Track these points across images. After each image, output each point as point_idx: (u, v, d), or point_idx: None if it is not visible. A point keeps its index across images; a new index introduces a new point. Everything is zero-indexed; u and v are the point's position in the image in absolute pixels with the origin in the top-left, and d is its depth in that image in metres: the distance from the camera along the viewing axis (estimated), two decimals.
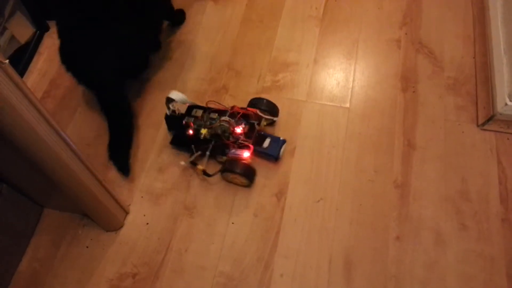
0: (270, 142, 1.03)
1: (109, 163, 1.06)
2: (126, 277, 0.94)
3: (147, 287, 0.93)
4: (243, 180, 1.00)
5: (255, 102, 1.07)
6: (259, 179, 1.04)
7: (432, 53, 1.20)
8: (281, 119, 1.11)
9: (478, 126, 1.08)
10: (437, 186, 1.01)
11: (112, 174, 1.07)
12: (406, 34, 1.25)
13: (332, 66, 1.21)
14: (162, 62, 1.24)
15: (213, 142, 1.02)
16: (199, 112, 1.05)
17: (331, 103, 1.14)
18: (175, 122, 1.06)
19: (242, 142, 1.00)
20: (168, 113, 1.04)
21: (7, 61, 0.54)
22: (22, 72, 1.23)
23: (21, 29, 1.24)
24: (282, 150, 1.03)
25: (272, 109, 1.07)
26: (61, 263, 0.97)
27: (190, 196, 1.03)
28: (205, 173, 1.01)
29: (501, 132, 1.06)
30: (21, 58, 1.24)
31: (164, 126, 1.11)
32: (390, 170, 1.03)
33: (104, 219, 0.97)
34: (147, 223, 1.00)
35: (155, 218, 1.01)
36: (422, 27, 1.26)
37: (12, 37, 1.21)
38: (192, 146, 1.03)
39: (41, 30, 1.31)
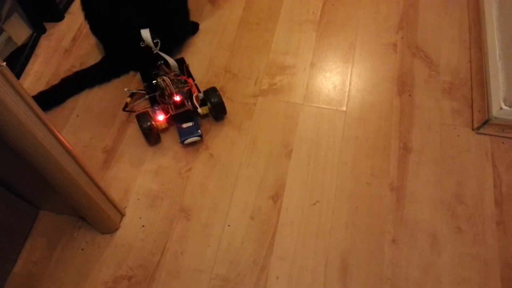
0: (189, 127, 1.09)
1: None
2: (121, 279, 0.94)
3: None
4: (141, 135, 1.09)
5: (210, 91, 1.09)
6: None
7: (428, 57, 1.21)
8: (278, 121, 1.12)
9: (473, 130, 1.09)
10: (433, 189, 1.01)
11: (108, 176, 1.07)
12: (402, 38, 1.25)
13: (329, 70, 1.21)
14: None
15: (157, 93, 1.09)
16: (173, 64, 1.11)
17: (327, 107, 1.15)
18: (152, 57, 1.10)
19: (168, 107, 1.07)
20: (142, 45, 1.07)
21: (4, 63, 0.54)
22: (18, 74, 1.22)
23: (18, 30, 1.24)
24: (190, 140, 1.07)
25: (217, 107, 1.09)
26: (56, 266, 0.96)
27: (186, 198, 1.03)
28: (125, 105, 1.12)
29: (496, 136, 1.07)
30: (18, 60, 1.24)
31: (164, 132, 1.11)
32: (386, 173, 1.04)
33: (100, 221, 0.97)
34: (143, 226, 1.00)
35: (151, 221, 1.00)
36: (418, 31, 1.26)
37: (9, 39, 1.20)
38: (144, 83, 1.14)
39: (38, 32, 1.31)
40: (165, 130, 1.12)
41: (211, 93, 1.09)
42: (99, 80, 1.21)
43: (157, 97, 1.08)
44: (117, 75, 1.22)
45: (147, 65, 1.13)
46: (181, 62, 1.17)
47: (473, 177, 1.02)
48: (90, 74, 1.20)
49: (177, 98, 1.05)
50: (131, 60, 1.21)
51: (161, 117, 1.07)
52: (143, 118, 1.06)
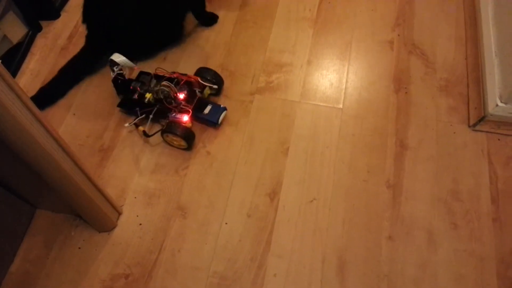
0: (211, 109, 1.10)
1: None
2: (119, 277, 0.94)
3: None
4: (181, 142, 1.05)
5: (202, 71, 1.12)
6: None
7: (424, 55, 1.21)
8: (274, 119, 1.12)
9: (469, 126, 1.09)
10: (429, 186, 1.02)
11: (105, 174, 1.06)
12: (398, 35, 1.26)
13: (326, 67, 1.21)
14: (155, 63, 1.24)
15: (157, 106, 1.08)
16: (147, 78, 1.13)
17: (324, 104, 1.15)
18: (123, 86, 1.12)
19: (183, 107, 1.06)
20: (112, 76, 1.09)
21: None
22: (14, 72, 1.22)
23: (14, 29, 1.23)
24: (221, 116, 1.09)
25: (217, 79, 1.13)
26: (54, 264, 0.96)
27: (184, 196, 1.03)
28: (145, 133, 1.08)
29: (492, 132, 1.07)
30: (13, 58, 1.23)
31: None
32: (383, 170, 1.04)
33: (97, 219, 0.97)
34: (140, 224, 1.00)
35: (148, 219, 1.00)
36: (414, 28, 1.27)
37: (4, 37, 1.20)
38: (137, 109, 1.09)
39: (34, 30, 1.30)
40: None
41: (204, 71, 1.12)
42: (89, 65, 1.21)
43: (165, 106, 1.06)
44: (100, 55, 1.20)
45: (127, 96, 1.13)
46: (146, 74, 1.16)
47: (469, 174, 1.03)
48: (78, 61, 1.20)
49: (182, 95, 1.06)
50: (114, 42, 1.19)
51: (185, 117, 1.05)
52: (175, 127, 1.03)
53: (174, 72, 1.11)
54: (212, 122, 1.09)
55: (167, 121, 1.06)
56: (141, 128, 1.08)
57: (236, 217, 1.00)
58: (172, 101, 1.07)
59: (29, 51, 1.28)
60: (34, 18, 1.30)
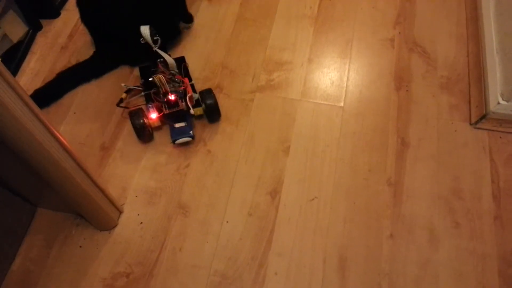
0: (182, 127, 1.08)
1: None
2: (120, 276, 0.94)
3: (141, 287, 0.93)
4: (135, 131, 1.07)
5: (205, 93, 1.09)
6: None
7: (425, 52, 1.21)
8: (275, 117, 1.12)
9: (471, 124, 1.09)
10: (430, 185, 1.01)
11: (106, 173, 1.06)
12: (399, 33, 1.25)
13: (327, 65, 1.21)
14: None
15: (152, 91, 1.08)
16: (171, 63, 1.10)
17: (325, 102, 1.14)
18: (152, 56, 1.10)
19: (162, 106, 1.06)
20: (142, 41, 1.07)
21: None
22: (14, 71, 1.22)
23: (14, 27, 1.23)
24: (181, 140, 1.07)
25: (211, 109, 1.08)
26: (54, 263, 0.96)
27: (184, 195, 1.03)
28: (120, 101, 1.13)
29: (494, 130, 1.07)
30: (14, 57, 1.23)
31: (160, 130, 1.11)
32: (384, 168, 1.04)
33: (98, 218, 0.97)
34: (141, 222, 1.00)
35: (149, 217, 1.00)
36: (415, 26, 1.26)
37: (5, 36, 1.20)
38: (141, 80, 1.13)
39: (34, 28, 1.30)
40: (158, 128, 1.11)
41: (206, 94, 1.08)
42: (92, 75, 1.21)
43: (152, 95, 1.07)
44: (109, 69, 1.22)
45: (146, 62, 1.13)
46: (181, 61, 1.16)
47: (471, 172, 1.02)
48: (83, 69, 1.20)
49: (172, 97, 1.05)
50: (122, 55, 1.21)
51: (154, 115, 1.07)
52: (136, 115, 1.06)
53: (186, 77, 1.11)
54: (171, 137, 1.07)
55: (139, 106, 1.09)
56: (124, 95, 1.13)
57: (237, 215, 1.00)
58: (161, 96, 1.06)
59: (29, 50, 1.28)
60: (34, 17, 1.29)
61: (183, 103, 1.06)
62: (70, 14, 1.35)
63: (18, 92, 0.61)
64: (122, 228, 1.00)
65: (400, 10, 1.30)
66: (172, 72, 1.09)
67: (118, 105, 1.12)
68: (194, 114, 1.07)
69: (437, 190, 1.01)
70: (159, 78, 1.03)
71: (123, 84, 1.14)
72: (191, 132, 1.07)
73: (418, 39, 1.23)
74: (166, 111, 1.06)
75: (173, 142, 1.07)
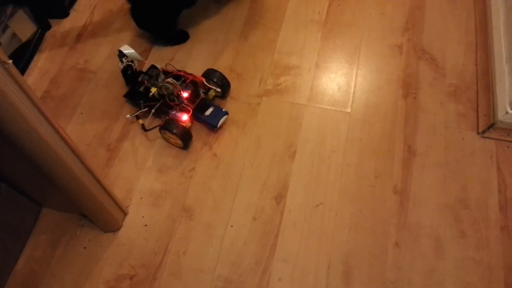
0: (212, 111, 1.09)
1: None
2: (123, 278, 0.94)
3: None
4: (178, 141, 1.06)
5: (208, 73, 1.12)
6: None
7: (434, 60, 1.21)
8: (282, 122, 1.12)
9: (478, 133, 1.08)
10: (437, 193, 1.01)
11: (112, 174, 1.06)
12: (408, 40, 1.25)
13: (334, 71, 1.21)
14: (164, 61, 1.23)
15: (160, 102, 1.08)
16: (155, 72, 1.13)
17: (332, 108, 1.14)
18: (132, 77, 1.13)
19: (184, 106, 1.07)
20: (120, 66, 1.10)
21: (10, 61, 0.54)
22: (22, 70, 1.22)
23: (23, 27, 1.24)
24: (222, 120, 1.08)
25: (223, 83, 1.12)
26: (59, 264, 0.96)
27: (189, 198, 1.02)
28: (143, 127, 1.09)
29: (502, 140, 1.06)
30: (22, 56, 1.23)
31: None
32: (390, 176, 1.03)
33: (103, 220, 0.97)
34: (146, 225, 1.00)
35: (154, 220, 1.00)
36: (424, 33, 1.26)
37: (14, 35, 1.20)
38: (141, 102, 1.09)
39: (43, 28, 1.30)
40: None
41: (211, 73, 1.11)
42: None
43: (167, 103, 1.07)
44: None
45: (134, 87, 1.14)
46: (156, 68, 1.17)
47: (478, 181, 1.02)
48: None
49: (185, 94, 1.06)
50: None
51: (184, 116, 1.05)
52: (173, 125, 1.03)
53: (180, 71, 1.12)
54: (211, 125, 1.08)
55: (167, 117, 1.06)
56: (140, 121, 1.10)
57: (242, 220, 0.99)
58: (175, 98, 1.07)
59: (38, 50, 1.28)
60: (43, 17, 1.30)
61: (200, 92, 1.09)
62: (79, 15, 1.35)
63: (27, 92, 0.61)
64: (126, 230, 0.99)
65: (409, 16, 1.29)
66: (163, 76, 1.11)
67: (146, 130, 1.10)
68: (210, 96, 1.10)
69: (443, 198, 1.00)
70: (166, 84, 1.05)
71: (128, 116, 1.11)
72: (223, 109, 1.10)
73: (426, 46, 1.23)
74: (192, 106, 1.07)
75: (217, 126, 1.08)
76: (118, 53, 1.09)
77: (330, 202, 1.00)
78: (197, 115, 1.09)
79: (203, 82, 1.09)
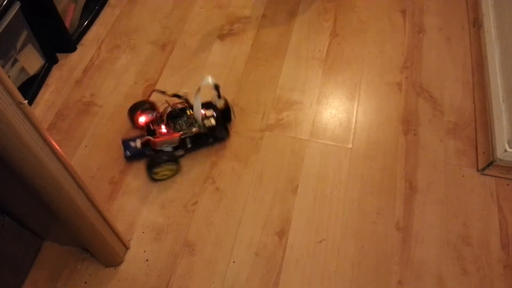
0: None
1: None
2: None
3: None
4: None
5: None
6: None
7: (432, 97, 1.24)
8: (284, 157, 1.13)
9: (478, 170, 1.10)
10: (439, 230, 1.01)
11: (114, 207, 1.06)
12: (407, 77, 1.28)
13: (335, 107, 1.23)
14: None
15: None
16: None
17: (333, 143, 1.16)
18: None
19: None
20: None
21: (26, 101, 0.56)
22: (29, 103, 1.24)
23: (31, 61, 1.27)
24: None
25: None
26: None
27: (191, 232, 1.02)
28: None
29: (501, 177, 1.08)
30: (29, 89, 1.26)
31: None
32: (392, 212, 1.04)
33: (104, 253, 0.96)
34: (147, 260, 0.99)
35: (156, 255, 1.00)
36: (422, 71, 1.29)
37: (22, 69, 1.23)
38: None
39: (50, 62, 1.33)
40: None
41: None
42: None
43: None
44: None
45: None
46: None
47: (479, 219, 1.02)
48: None
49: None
50: None
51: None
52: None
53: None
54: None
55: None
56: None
57: (244, 255, 0.99)
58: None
59: (44, 83, 1.30)
60: (51, 51, 1.33)
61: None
62: (86, 49, 1.39)
63: (39, 130, 0.63)
64: (128, 264, 0.99)
65: (407, 55, 1.33)
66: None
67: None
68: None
69: (445, 236, 1.00)
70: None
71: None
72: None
73: (425, 84, 1.26)
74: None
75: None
76: (213, 85, 1.10)
77: (333, 238, 1.01)
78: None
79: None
